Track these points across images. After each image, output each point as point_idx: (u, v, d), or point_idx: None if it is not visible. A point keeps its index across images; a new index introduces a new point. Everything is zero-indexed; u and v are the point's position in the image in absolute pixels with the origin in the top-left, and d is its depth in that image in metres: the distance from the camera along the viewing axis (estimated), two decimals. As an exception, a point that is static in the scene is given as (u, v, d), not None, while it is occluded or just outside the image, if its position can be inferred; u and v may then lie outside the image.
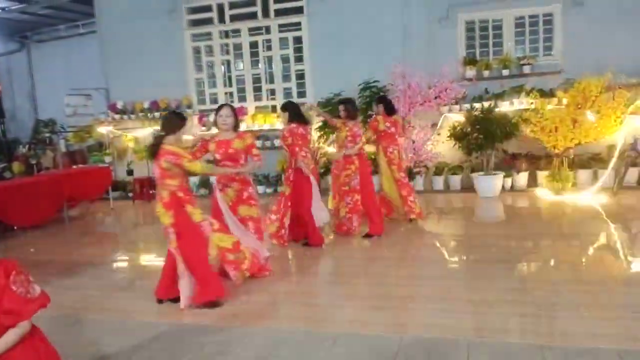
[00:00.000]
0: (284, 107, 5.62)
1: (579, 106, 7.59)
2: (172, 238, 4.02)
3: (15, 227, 7.63)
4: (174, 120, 4.16)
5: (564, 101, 7.77)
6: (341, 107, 5.92)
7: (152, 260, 6.05)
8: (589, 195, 7.39)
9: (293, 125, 5.39)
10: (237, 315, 3.98)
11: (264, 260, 4.55)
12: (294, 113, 5.44)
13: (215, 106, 9.80)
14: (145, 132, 10.29)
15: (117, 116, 10.50)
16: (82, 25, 12.91)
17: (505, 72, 8.61)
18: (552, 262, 4.83)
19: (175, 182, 3.99)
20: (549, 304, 3.74)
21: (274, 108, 9.89)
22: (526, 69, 8.52)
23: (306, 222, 5.50)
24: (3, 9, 11.64)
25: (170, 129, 4.07)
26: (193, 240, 4.01)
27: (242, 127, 9.72)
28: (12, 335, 1.96)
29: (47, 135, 11.87)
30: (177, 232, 4.00)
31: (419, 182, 8.79)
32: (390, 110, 6.38)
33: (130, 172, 10.58)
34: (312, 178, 5.45)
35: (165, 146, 3.97)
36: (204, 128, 9.75)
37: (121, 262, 6.15)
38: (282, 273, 4.96)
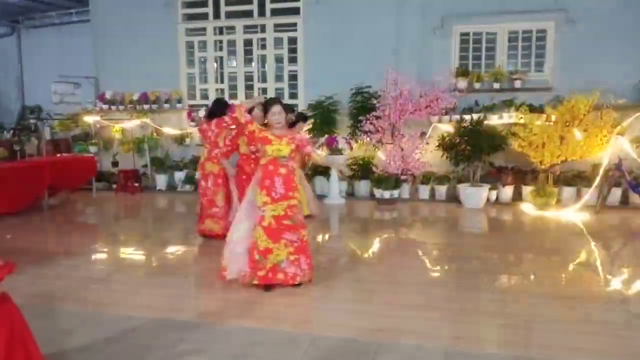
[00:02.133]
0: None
1: (567, 123, 7.68)
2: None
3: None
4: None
5: (553, 118, 7.85)
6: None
7: (131, 253, 5.96)
8: (572, 212, 7.46)
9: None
10: (216, 313, 3.93)
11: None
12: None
13: (206, 102, 9.91)
14: (133, 123, 10.18)
15: (105, 106, 10.38)
16: (75, 13, 12.76)
17: (496, 86, 8.69)
18: (532, 276, 4.84)
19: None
20: (528, 316, 3.75)
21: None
22: (517, 84, 8.60)
23: None
24: (-5, -9, 11.46)
25: None
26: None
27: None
28: None
29: (33, 122, 11.68)
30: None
31: (405, 190, 8.81)
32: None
33: (115, 164, 10.46)
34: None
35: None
36: (192, 123, 9.74)
37: (99, 254, 6.03)
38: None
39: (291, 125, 6.39)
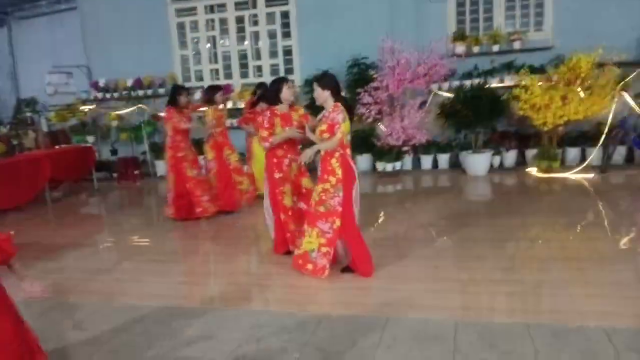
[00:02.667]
0: None
1: (569, 83, 7.51)
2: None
3: (-4, 209, 7.46)
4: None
5: (554, 78, 7.69)
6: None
7: (136, 241, 5.95)
8: (577, 173, 7.37)
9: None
10: (221, 298, 3.93)
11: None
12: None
13: (202, 83, 9.78)
14: (129, 110, 10.08)
15: (99, 94, 10.25)
16: (63, 1, 12.52)
17: (495, 48, 8.49)
18: (540, 241, 4.80)
19: None
20: (537, 282, 3.72)
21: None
22: (516, 45, 8.40)
23: None
24: (-20, -17, 11.23)
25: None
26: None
27: (229, 105, 9.60)
28: None
29: (29, 114, 11.58)
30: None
31: (407, 161, 8.72)
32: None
33: (114, 152, 10.40)
34: None
35: None
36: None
37: (105, 244, 6.03)
38: (266, 254, 4.90)
39: (254, 103, 6.72)
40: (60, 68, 10.36)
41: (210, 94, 6.44)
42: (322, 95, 3.95)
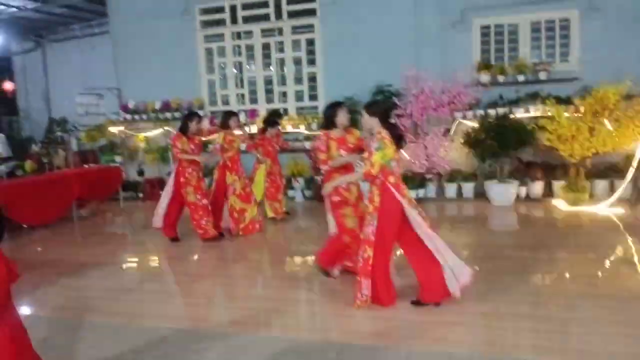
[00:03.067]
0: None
1: (597, 114, 7.42)
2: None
3: (24, 226, 7.62)
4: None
5: (581, 109, 7.60)
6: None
7: (160, 262, 6.00)
8: (605, 206, 7.21)
9: None
10: (242, 322, 3.91)
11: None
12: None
13: (228, 107, 9.94)
14: (157, 132, 10.28)
15: (128, 116, 10.50)
16: (96, 25, 12.97)
17: (520, 78, 8.45)
18: (567, 275, 4.68)
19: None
20: (564, 319, 3.62)
21: (285, 110, 9.84)
22: (542, 75, 8.35)
23: None
24: (19, 7, 11.71)
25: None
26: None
27: (254, 129, 9.73)
28: None
29: (60, 134, 11.91)
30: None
31: (431, 189, 8.67)
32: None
33: (141, 173, 10.57)
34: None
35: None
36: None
37: (129, 264, 6.10)
38: (289, 279, 4.87)
39: (264, 130, 7.22)
40: (91, 90, 10.66)
41: (225, 119, 6.53)
42: (369, 122, 3.88)
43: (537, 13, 8.45)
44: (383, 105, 4.01)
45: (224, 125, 6.50)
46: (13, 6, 11.64)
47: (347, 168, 4.54)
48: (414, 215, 3.82)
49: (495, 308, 3.85)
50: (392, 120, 3.95)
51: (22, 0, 11.35)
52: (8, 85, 13.44)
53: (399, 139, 3.84)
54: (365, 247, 3.84)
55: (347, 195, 4.45)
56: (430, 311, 3.85)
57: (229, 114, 6.62)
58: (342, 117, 4.45)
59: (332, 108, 4.50)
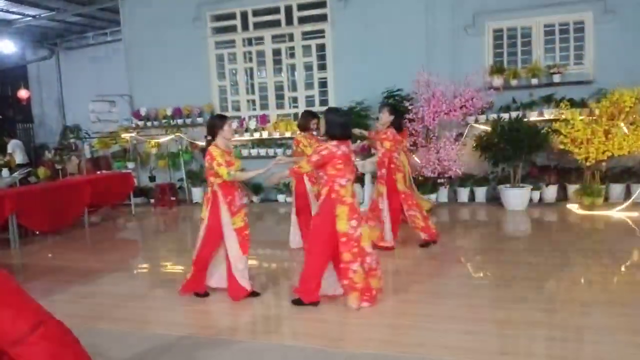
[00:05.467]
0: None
1: (612, 117, 7.29)
2: None
3: (37, 232, 7.67)
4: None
5: (596, 112, 7.48)
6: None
7: (171, 268, 5.98)
8: (621, 210, 7.06)
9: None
10: (250, 330, 3.87)
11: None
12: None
13: (239, 114, 9.95)
14: (168, 138, 10.33)
15: (140, 122, 10.56)
16: (109, 33, 13.13)
17: (534, 81, 8.33)
18: (582, 281, 4.58)
19: None
20: (579, 327, 3.52)
21: (296, 116, 9.81)
22: (556, 78, 8.23)
23: None
24: (34, 16, 11.89)
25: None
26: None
27: (264, 135, 9.72)
28: None
29: (73, 141, 12.03)
30: None
31: (443, 194, 8.57)
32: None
33: (152, 179, 10.62)
34: None
35: None
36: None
37: (139, 270, 6.10)
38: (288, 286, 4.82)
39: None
40: (103, 97, 10.75)
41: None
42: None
43: (551, 16, 8.34)
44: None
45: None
46: (28, 15, 11.83)
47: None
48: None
49: (508, 315, 3.76)
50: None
51: (37, 9, 11.53)
52: (23, 93, 13.63)
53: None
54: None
55: (343, 192, 4.01)
56: (443, 319, 3.78)
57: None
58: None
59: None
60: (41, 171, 10.31)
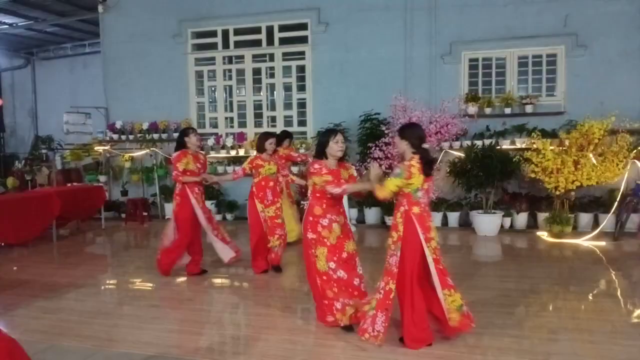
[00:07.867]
0: None
1: (581, 148, 7.51)
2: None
3: (1, 244, 7.43)
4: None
5: (566, 142, 7.70)
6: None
7: (138, 285, 5.85)
8: (589, 239, 7.23)
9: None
10: (218, 350, 3.80)
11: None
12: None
13: (215, 130, 9.92)
14: (142, 152, 10.20)
15: (115, 136, 10.42)
16: (88, 44, 13.01)
17: (507, 111, 8.56)
18: (550, 308, 4.65)
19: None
20: (547, 353, 3.56)
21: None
22: (528, 109, 8.46)
23: None
24: (11, 24, 11.72)
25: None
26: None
27: (241, 152, 9.69)
28: None
29: (44, 151, 11.79)
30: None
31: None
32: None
33: (125, 193, 10.44)
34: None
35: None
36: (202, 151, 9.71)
37: (106, 286, 5.95)
38: (275, 307, 4.77)
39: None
40: (78, 108, 10.61)
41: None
42: (400, 145, 3.69)
43: (525, 48, 8.62)
44: (415, 129, 3.74)
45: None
46: (5, 23, 11.66)
47: (330, 202, 4.00)
48: (428, 254, 3.64)
49: (478, 340, 3.78)
50: (425, 146, 3.73)
51: (14, 18, 11.37)
52: (-5, 101, 13.36)
53: (429, 165, 3.64)
54: (388, 279, 3.64)
55: (325, 234, 3.93)
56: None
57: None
58: (333, 148, 3.97)
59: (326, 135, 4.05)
60: (10, 181, 10.06)
